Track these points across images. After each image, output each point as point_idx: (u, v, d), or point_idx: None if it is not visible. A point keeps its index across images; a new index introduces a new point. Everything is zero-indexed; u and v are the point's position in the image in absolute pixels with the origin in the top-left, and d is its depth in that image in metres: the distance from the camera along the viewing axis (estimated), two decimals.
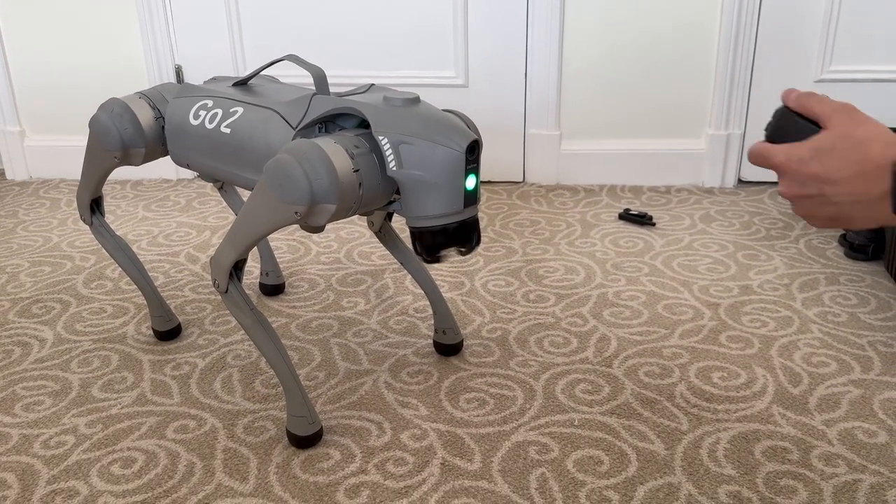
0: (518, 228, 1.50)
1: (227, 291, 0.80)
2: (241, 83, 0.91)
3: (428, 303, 1.13)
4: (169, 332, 1.09)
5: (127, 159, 0.93)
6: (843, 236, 1.36)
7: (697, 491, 0.76)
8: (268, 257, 1.21)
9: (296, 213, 0.71)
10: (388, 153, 0.73)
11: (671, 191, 1.70)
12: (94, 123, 0.93)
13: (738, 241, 1.41)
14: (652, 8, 1.59)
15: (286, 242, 1.43)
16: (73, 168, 1.86)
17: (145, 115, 0.92)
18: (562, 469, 0.80)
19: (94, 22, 1.75)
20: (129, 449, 0.85)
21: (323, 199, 0.70)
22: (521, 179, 1.77)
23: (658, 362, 1.01)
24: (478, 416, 0.89)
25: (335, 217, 0.73)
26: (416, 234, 0.76)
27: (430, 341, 1.07)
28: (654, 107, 1.68)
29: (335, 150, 0.71)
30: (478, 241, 0.79)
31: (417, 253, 0.78)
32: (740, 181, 1.72)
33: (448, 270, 1.30)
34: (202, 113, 0.87)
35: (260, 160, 0.80)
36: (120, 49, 1.77)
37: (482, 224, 1.49)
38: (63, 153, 1.85)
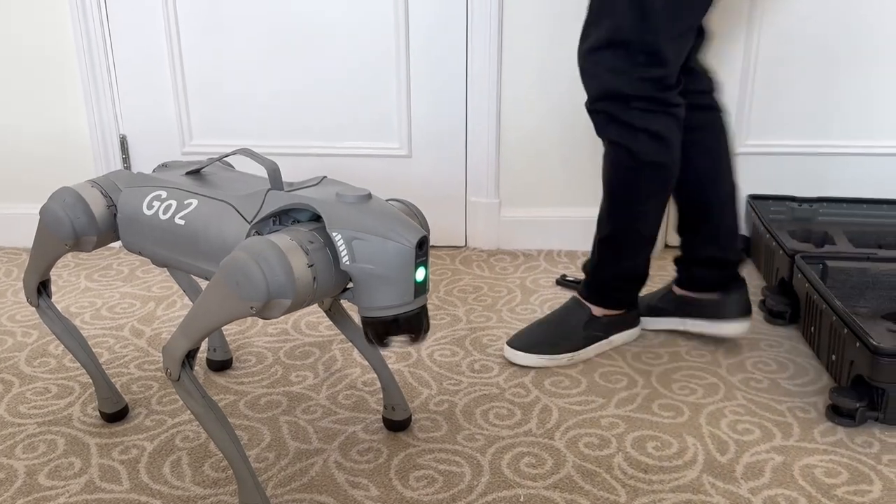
0: (461, 295, 1.53)
1: (178, 380, 0.79)
2: (194, 172, 0.92)
3: (375, 377, 1.15)
4: (116, 414, 1.07)
5: (78, 246, 0.93)
6: (763, 301, 1.43)
7: None
8: (216, 333, 1.20)
9: (251, 307, 0.72)
10: (341, 248, 0.75)
11: None
12: (45, 213, 0.92)
13: None
14: None
15: None
16: (10, 237, 1.82)
17: (98, 204, 0.92)
18: None
19: (37, 88, 1.73)
20: None
21: (279, 296, 0.71)
22: (463, 244, 1.81)
23: (596, 432, 1.03)
24: (427, 494, 0.90)
25: (290, 310, 0.74)
26: (368, 323, 0.77)
27: (380, 416, 1.07)
28: (589, 174, 1.73)
29: (291, 248, 0.72)
30: (427, 329, 0.81)
31: (368, 340, 0.80)
32: (667, 245, 1.79)
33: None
34: (156, 203, 0.87)
35: (215, 252, 0.81)
36: (64, 117, 1.75)
37: None
38: (3, 223, 1.82)
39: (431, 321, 1.38)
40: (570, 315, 1.27)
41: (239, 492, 0.84)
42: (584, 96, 1.18)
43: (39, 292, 1.00)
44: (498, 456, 0.98)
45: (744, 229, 1.74)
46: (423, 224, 0.88)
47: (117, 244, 1.66)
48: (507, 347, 1.24)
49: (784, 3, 1.63)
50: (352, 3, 1.64)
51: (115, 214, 0.93)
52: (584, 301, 1.29)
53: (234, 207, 0.82)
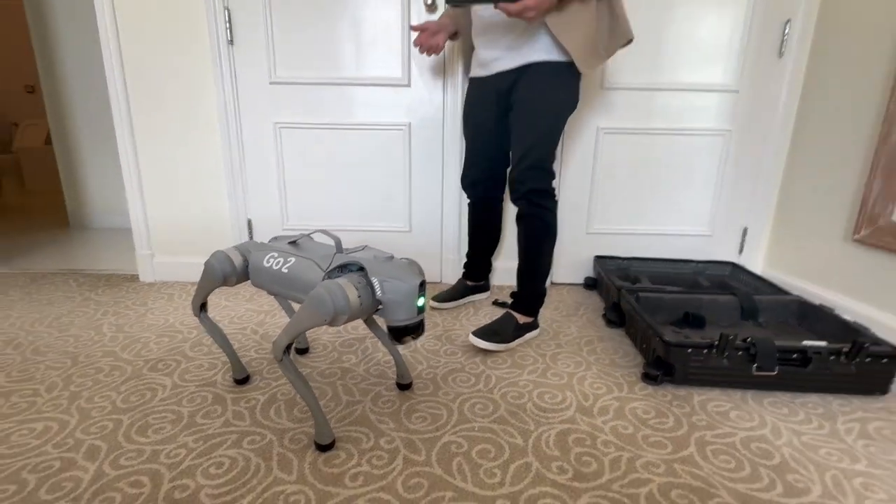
0: (439, 310, 1.53)
1: (281, 360, 0.81)
2: (293, 242, 0.94)
3: (391, 359, 1.15)
4: (243, 380, 1.06)
5: (225, 284, 0.94)
6: (604, 315, 1.46)
7: (539, 464, 0.80)
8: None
9: (325, 320, 0.74)
10: (376, 287, 0.78)
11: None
12: (207, 265, 0.93)
13: (552, 317, 1.48)
14: None
15: None
16: (182, 274, 1.79)
17: (238, 260, 0.94)
18: (469, 457, 0.83)
19: (200, 187, 1.72)
20: (219, 456, 0.82)
21: (341, 313, 0.74)
22: (439, 280, 1.81)
23: (516, 390, 1.05)
24: (422, 427, 0.91)
25: (347, 321, 0.77)
26: (391, 328, 0.80)
27: (394, 381, 1.08)
28: (511, 242, 1.76)
29: (348, 286, 0.75)
30: (422, 332, 0.83)
31: (390, 338, 0.81)
32: (552, 282, 1.82)
33: None
34: (271, 260, 0.89)
35: (305, 288, 0.84)
36: (216, 206, 1.74)
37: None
38: (177, 266, 1.78)
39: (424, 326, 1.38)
40: (507, 322, 1.27)
41: (315, 424, 0.84)
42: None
43: (201, 309, 1.00)
44: (462, 404, 0.99)
45: (592, 273, 1.80)
46: (421, 272, 0.90)
47: (248, 283, 1.67)
48: (472, 336, 1.21)
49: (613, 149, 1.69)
50: (378, 144, 1.66)
51: (247, 265, 0.94)
52: (513, 313, 1.29)
53: (315, 263, 0.85)
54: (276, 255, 0.90)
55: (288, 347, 0.81)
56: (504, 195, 1.48)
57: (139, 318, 1.41)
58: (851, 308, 1.37)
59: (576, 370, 1.14)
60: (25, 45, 4.00)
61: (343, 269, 0.83)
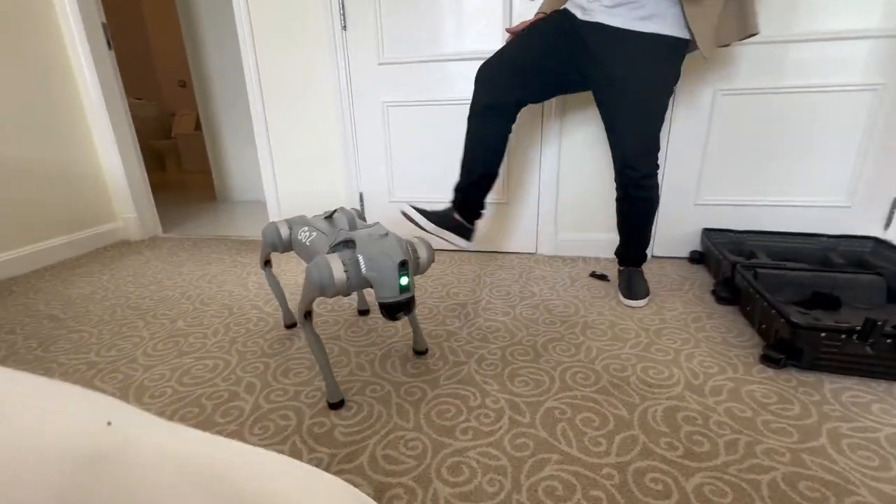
0: (538, 280, 1.49)
1: (303, 323, 0.84)
2: (329, 217, 0.95)
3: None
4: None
5: (274, 251, 1.01)
6: (713, 291, 1.33)
7: (646, 438, 0.76)
8: (361, 295, 1.27)
9: (316, 292, 0.76)
10: (361, 264, 0.77)
11: (615, 261, 1.67)
12: (263, 233, 1.02)
13: (655, 291, 1.38)
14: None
15: (416, 284, 1.46)
16: None
17: (285, 232, 1.00)
18: (573, 424, 0.81)
19: (319, 164, 1.84)
20: (348, 401, 0.89)
21: (326, 286, 0.75)
22: (535, 252, 1.77)
23: (619, 363, 1.00)
24: (525, 391, 0.91)
25: (336, 294, 0.76)
26: (379, 304, 0.77)
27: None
28: (607, 213, 1.65)
29: (334, 260, 0.76)
30: (409, 311, 0.77)
31: (382, 314, 0.78)
32: (653, 256, 1.69)
33: (503, 303, 1.30)
34: (302, 234, 0.94)
35: None
36: (332, 180, 1.85)
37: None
38: None
39: (521, 294, 1.36)
40: (641, 279, 1.32)
41: (326, 385, 0.90)
42: (600, 170, 1.16)
43: (265, 265, 1.10)
44: (563, 373, 0.97)
45: (698, 247, 1.63)
46: (430, 253, 0.87)
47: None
48: (627, 300, 1.28)
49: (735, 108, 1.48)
50: None
51: (290, 237, 1.00)
52: (638, 269, 1.35)
53: (327, 237, 0.87)
54: (306, 229, 0.94)
55: (308, 314, 0.83)
56: (514, 122, 1.18)
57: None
58: None
59: (682, 346, 1.05)
60: (177, 47, 4.53)
61: (346, 244, 0.81)
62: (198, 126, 4.53)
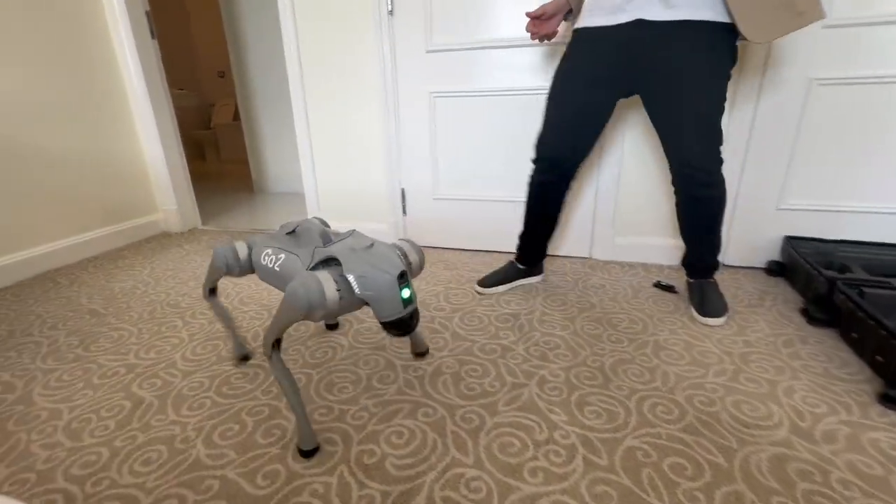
0: (594, 289, 1.38)
1: (270, 357, 0.72)
2: (291, 232, 0.82)
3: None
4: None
5: (228, 274, 0.88)
6: (804, 310, 1.17)
7: (755, 497, 0.64)
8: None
9: (300, 314, 0.65)
10: (354, 284, 0.67)
11: (681, 269, 1.53)
12: (213, 254, 0.87)
13: (732, 307, 1.24)
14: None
15: (462, 290, 1.37)
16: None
17: (244, 253, 0.86)
18: (661, 471, 0.70)
19: (359, 158, 1.77)
20: (398, 425, 0.80)
21: (316, 307, 0.65)
22: (589, 256, 1.64)
23: (704, 394, 0.87)
24: (598, 424, 0.80)
25: (326, 317, 0.67)
26: (382, 325, 0.69)
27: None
28: (668, 216, 1.51)
29: (325, 277, 0.66)
30: (415, 325, 0.69)
31: (387, 334, 0.72)
32: (723, 265, 1.53)
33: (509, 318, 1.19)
34: (266, 258, 0.81)
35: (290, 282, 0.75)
36: (376, 179, 1.78)
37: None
38: (339, 230, 1.87)
39: (576, 307, 1.25)
40: (715, 292, 1.20)
41: (298, 429, 0.77)
42: (664, 169, 1.02)
43: (210, 293, 0.95)
44: (640, 403, 0.85)
45: (776, 256, 1.46)
46: (420, 256, 0.79)
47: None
48: (705, 318, 1.15)
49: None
50: (533, 110, 1.51)
51: (249, 258, 0.87)
52: (712, 280, 1.23)
53: (299, 258, 0.76)
54: (269, 251, 0.81)
55: (276, 344, 0.71)
56: (574, 178, 1.19)
57: None
58: None
59: (778, 377, 0.92)
60: (217, 38, 4.57)
61: (326, 263, 0.72)
62: (236, 116, 4.57)
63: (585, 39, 1.05)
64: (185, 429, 0.81)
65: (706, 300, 1.16)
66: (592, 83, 1.05)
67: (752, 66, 1.30)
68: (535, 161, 1.18)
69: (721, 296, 1.18)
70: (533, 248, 1.33)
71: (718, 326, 1.12)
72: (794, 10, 0.89)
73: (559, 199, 1.22)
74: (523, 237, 1.32)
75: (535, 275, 1.41)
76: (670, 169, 1.06)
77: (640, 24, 0.97)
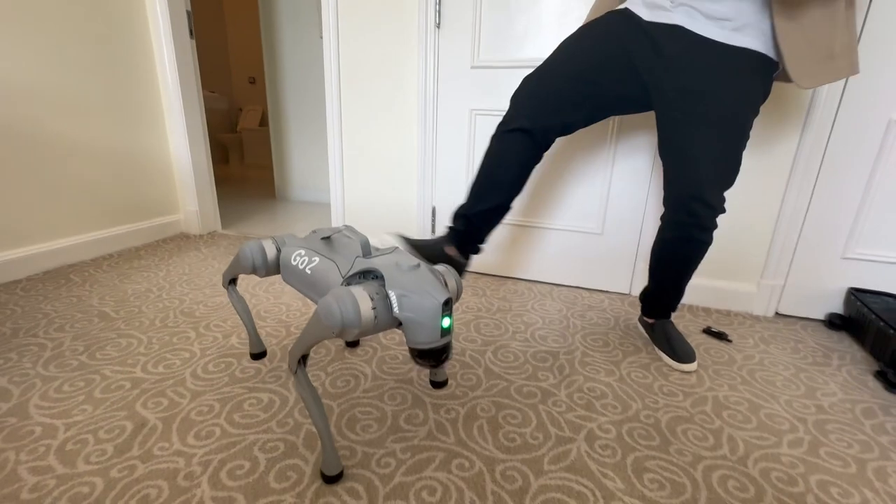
0: (636, 332, 1.27)
1: (295, 373, 0.67)
2: (327, 238, 0.79)
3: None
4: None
5: (254, 273, 0.86)
6: (881, 373, 1.05)
7: None
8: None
9: (332, 332, 0.60)
10: (394, 301, 0.61)
11: (731, 314, 1.42)
12: (240, 250, 0.86)
13: (794, 363, 1.12)
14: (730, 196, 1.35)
15: (493, 320, 1.28)
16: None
17: (272, 253, 0.85)
18: None
19: (391, 171, 1.72)
20: (430, 478, 0.71)
21: (350, 326, 0.59)
22: (628, 292, 1.54)
23: (782, 469, 0.76)
24: (662, 498, 0.69)
25: (360, 336, 0.61)
26: (411, 350, 0.63)
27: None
28: (719, 253, 1.41)
29: (361, 295, 0.60)
30: (447, 358, 0.63)
31: (413, 360, 0.66)
32: (777, 314, 1.42)
33: (603, 361, 1.09)
34: (298, 258, 0.78)
35: (323, 292, 0.71)
36: (408, 197, 1.72)
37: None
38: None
39: (627, 348, 1.15)
40: (679, 336, 1.12)
41: (323, 453, 0.71)
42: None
43: (230, 283, 0.96)
44: (707, 474, 0.74)
45: (839, 309, 1.34)
46: (458, 284, 0.73)
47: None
48: (678, 364, 1.06)
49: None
50: (578, 133, 1.43)
51: (278, 259, 0.85)
52: (669, 321, 1.15)
53: (336, 266, 0.71)
54: (302, 252, 0.78)
55: (303, 360, 0.67)
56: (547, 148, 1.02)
57: None
58: None
59: (864, 455, 0.80)
60: (250, 43, 4.64)
61: (364, 275, 0.68)
62: (262, 122, 4.59)
63: (624, 19, 0.93)
64: (189, 462, 0.72)
65: (675, 345, 1.09)
66: (613, 59, 0.93)
67: (829, 98, 1.21)
68: (514, 99, 0.99)
69: (684, 337, 1.12)
70: (474, 229, 1.07)
71: (694, 371, 1.05)
72: (835, 64, 0.85)
73: (529, 163, 1.01)
74: (466, 211, 1.06)
75: (461, 266, 1.11)
76: (665, 201, 0.96)
77: (676, 30, 0.88)
